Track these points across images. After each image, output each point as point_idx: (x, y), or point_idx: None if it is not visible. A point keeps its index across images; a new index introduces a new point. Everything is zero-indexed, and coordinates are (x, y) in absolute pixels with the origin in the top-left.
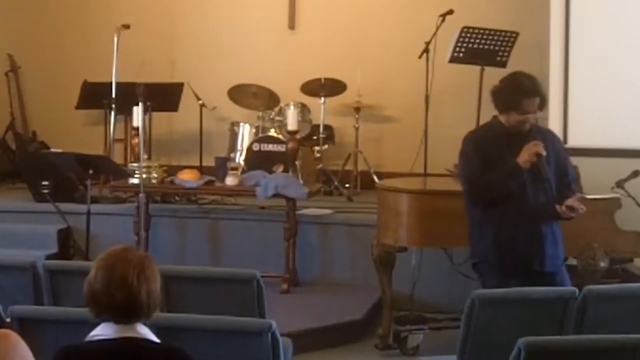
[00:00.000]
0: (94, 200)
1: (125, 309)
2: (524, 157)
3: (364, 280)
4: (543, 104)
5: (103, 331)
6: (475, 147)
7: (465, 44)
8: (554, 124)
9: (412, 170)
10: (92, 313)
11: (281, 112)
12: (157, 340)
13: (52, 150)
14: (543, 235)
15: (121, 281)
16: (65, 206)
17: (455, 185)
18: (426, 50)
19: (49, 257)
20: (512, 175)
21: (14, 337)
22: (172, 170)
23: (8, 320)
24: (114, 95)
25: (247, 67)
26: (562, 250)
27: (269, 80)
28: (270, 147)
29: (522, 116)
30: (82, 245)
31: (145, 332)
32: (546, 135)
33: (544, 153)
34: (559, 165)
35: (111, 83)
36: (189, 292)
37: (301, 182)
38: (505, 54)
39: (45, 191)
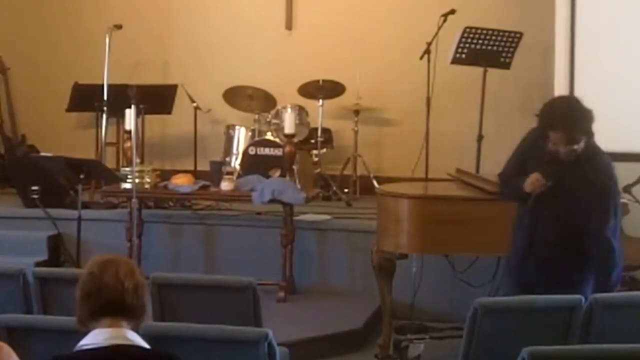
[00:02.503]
0: (85, 205)
1: (132, 298)
2: (527, 184)
3: (364, 288)
4: (571, 139)
5: (93, 340)
6: (523, 148)
7: (467, 45)
8: None
9: (413, 175)
10: (89, 312)
11: (278, 115)
12: (147, 346)
13: (42, 154)
14: (552, 260)
15: (128, 272)
16: (55, 212)
17: (458, 191)
18: (427, 51)
19: (38, 264)
20: (518, 193)
21: (7, 349)
22: (166, 175)
23: None
24: (105, 98)
25: (242, 69)
26: (585, 273)
27: (265, 82)
28: (267, 151)
29: (552, 146)
30: (73, 252)
31: (135, 338)
32: (584, 167)
33: (540, 190)
34: (586, 204)
35: (103, 85)
36: (183, 300)
37: (298, 187)
38: (509, 55)
39: (35, 196)
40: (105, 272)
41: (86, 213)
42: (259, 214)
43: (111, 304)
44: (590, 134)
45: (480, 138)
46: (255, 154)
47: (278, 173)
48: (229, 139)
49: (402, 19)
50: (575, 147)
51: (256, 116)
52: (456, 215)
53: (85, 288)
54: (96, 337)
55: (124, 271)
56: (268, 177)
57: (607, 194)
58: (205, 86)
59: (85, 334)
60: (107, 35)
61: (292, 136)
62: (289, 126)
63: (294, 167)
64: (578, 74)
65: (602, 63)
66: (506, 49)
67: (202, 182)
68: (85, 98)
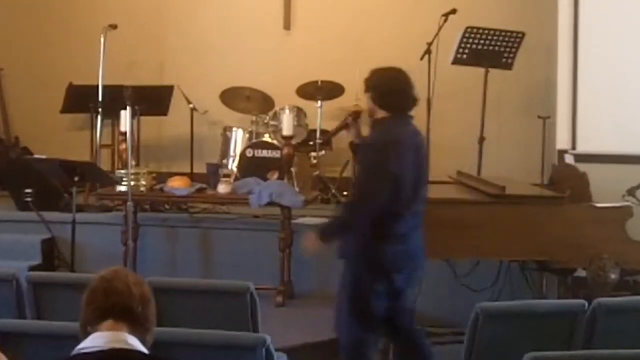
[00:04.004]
0: (80, 209)
1: (138, 306)
2: None
3: None
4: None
5: (93, 343)
6: None
7: (469, 45)
8: (563, 129)
9: None
10: (94, 314)
11: (276, 117)
12: (147, 352)
13: (36, 156)
14: None
15: (137, 282)
16: (49, 215)
17: (459, 194)
18: (428, 52)
19: (32, 269)
20: None
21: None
22: (162, 178)
23: None
24: (100, 99)
25: (240, 70)
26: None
27: (263, 83)
28: (265, 153)
29: None
30: (68, 257)
31: (135, 343)
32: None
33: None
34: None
35: (98, 86)
36: (179, 305)
37: (297, 189)
38: (511, 55)
39: (29, 199)
40: (116, 277)
41: (81, 216)
42: (256, 217)
43: (117, 307)
44: (379, 99)
45: (482, 140)
46: (253, 157)
47: (276, 176)
48: (226, 141)
49: (403, 18)
50: (366, 96)
51: (254, 118)
52: (457, 218)
53: (93, 290)
54: (96, 341)
55: (133, 280)
56: (266, 179)
57: (363, 158)
58: (202, 87)
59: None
60: (102, 36)
61: (290, 138)
62: (287, 128)
63: (293, 169)
64: (582, 74)
65: (606, 63)
66: (508, 50)
67: (198, 185)
68: (80, 99)
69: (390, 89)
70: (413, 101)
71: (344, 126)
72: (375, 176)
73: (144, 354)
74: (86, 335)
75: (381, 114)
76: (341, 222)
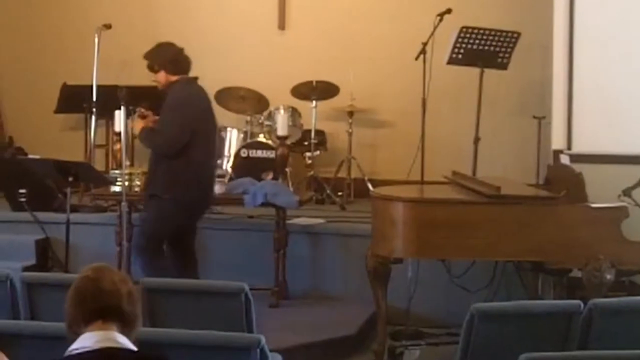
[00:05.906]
0: (74, 209)
1: (127, 304)
2: None
3: (358, 293)
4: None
5: (82, 343)
6: None
7: (464, 45)
8: (558, 129)
9: (408, 178)
10: (82, 315)
11: (270, 117)
12: (136, 349)
13: (30, 156)
14: None
15: (122, 278)
16: (43, 215)
17: (454, 194)
18: (423, 52)
19: (26, 269)
20: None
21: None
22: None
23: None
24: (94, 99)
25: (234, 69)
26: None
27: (257, 83)
28: (259, 153)
29: None
30: (62, 257)
31: (124, 341)
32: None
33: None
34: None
35: (92, 86)
36: (173, 306)
37: (291, 190)
38: (507, 55)
39: (23, 200)
40: (101, 277)
41: (75, 217)
42: (251, 217)
43: (107, 308)
44: (166, 69)
45: (477, 140)
46: (247, 157)
47: (270, 176)
48: (221, 141)
49: (397, 18)
50: (154, 77)
51: (248, 118)
52: (452, 218)
53: (81, 291)
54: (85, 341)
55: (119, 277)
56: (260, 179)
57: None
58: None
59: (74, 340)
60: (96, 35)
61: (284, 138)
62: (281, 128)
63: (287, 169)
64: (577, 74)
65: (602, 63)
66: (503, 49)
67: None
68: (73, 99)
69: (174, 55)
70: (189, 62)
71: (141, 115)
72: (171, 125)
73: (133, 351)
74: (73, 335)
75: (174, 78)
76: (150, 141)
